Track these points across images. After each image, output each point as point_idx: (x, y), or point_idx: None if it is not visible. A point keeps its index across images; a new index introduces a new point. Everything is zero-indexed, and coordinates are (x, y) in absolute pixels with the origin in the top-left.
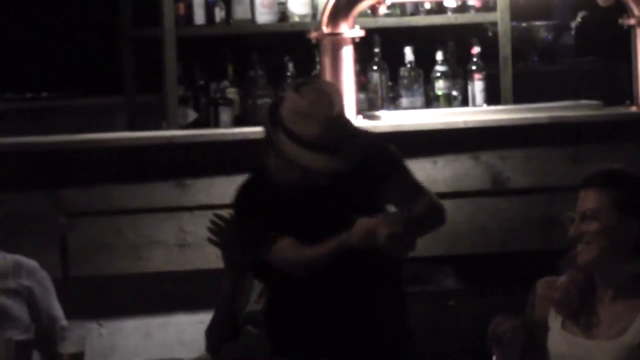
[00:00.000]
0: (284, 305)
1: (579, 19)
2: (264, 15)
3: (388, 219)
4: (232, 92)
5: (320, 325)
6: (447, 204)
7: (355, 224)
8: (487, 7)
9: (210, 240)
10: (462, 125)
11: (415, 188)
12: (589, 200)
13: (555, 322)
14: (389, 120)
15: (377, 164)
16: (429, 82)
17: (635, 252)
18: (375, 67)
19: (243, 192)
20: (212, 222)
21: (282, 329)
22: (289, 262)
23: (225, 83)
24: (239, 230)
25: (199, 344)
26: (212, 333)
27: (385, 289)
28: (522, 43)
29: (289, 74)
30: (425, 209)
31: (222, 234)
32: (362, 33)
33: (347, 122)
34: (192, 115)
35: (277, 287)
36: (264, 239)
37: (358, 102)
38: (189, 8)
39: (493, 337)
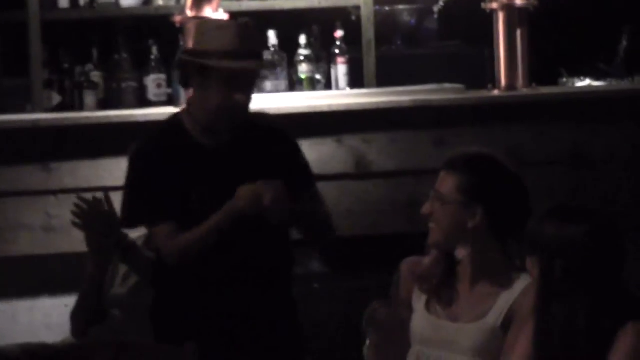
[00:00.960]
0: (170, 289)
1: (442, 2)
2: None
3: (270, 184)
4: (96, 76)
5: (205, 308)
6: None
7: (238, 191)
8: None
9: (74, 224)
10: (326, 109)
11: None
12: (441, 182)
13: (419, 304)
14: (252, 103)
15: (283, 154)
16: (292, 65)
17: (488, 238)
18: None
19: (140, 154)
20: (76, 205)
21: (167, 312)
22: (180, 248)
23: (90, 66)
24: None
25: (65, 327)
26: (78, 316)
27: (276, 275)
28: (386, 27)
29: (153, 57)
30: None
31: (86, 217)
32: (226, 17)
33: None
34: (56, 98)
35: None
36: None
37: None
38: None
39: (371, 322)
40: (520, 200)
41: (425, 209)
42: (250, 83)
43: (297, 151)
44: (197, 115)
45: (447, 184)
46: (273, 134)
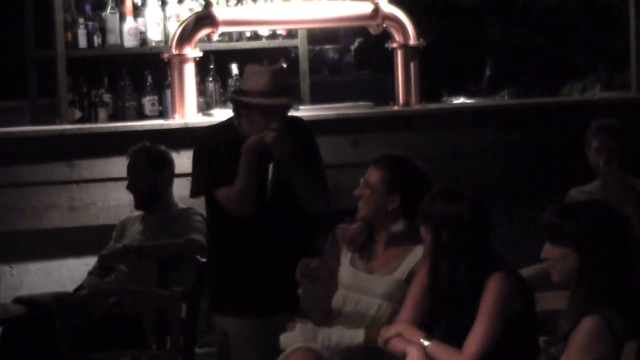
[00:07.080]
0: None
1: (357, 43)
2: (129, 41)
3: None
4: (107, 97)
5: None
6: None
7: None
8: (290, 35)
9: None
10: None
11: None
12: (369, 173)
13: (345, 259)
14: (220, 116)
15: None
16: None
17: (399, 216)
18: (210, 79)
19: (203, 140)
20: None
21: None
22: (234, 198)
23: (102, 90)
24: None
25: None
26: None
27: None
28: (316, 61)
29: (148, 83)
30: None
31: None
32: (200, 54)
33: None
34: (78, 113)
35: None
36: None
37: (198, 103)
38: (75, 35)
39: (304, 273)
40: (425, 190)
41: (357, 192)
42: (283, 113)
43: (311, 137)
44: (245, 133)
45: (373, 176)
46: (292, 125)
